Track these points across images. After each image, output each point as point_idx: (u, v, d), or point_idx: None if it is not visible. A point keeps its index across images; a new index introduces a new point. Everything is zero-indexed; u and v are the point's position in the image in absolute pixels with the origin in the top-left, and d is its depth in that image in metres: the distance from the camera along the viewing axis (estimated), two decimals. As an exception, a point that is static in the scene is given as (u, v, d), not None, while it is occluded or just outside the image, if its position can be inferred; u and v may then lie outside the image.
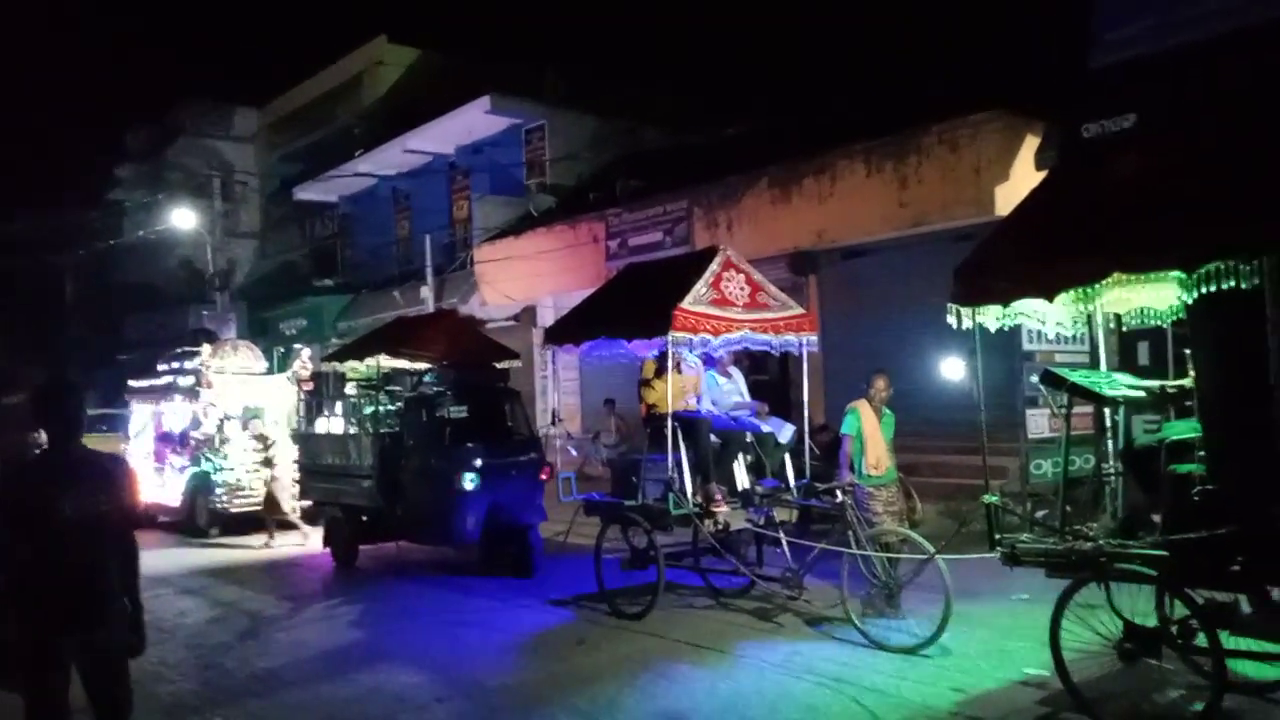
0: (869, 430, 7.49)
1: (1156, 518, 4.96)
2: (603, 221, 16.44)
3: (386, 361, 10.99)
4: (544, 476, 10.26)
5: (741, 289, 7.82)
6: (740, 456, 8.04)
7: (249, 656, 7.29)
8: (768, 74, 19.73)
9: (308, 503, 12.65)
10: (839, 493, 7.07)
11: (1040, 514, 5.86)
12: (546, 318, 17.20)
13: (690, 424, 7.68)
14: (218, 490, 13.67)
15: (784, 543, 7.48)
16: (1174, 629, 4.86)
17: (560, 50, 22.63)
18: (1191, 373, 5.03)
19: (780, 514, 7.79)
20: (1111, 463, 5.60)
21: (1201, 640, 4.66)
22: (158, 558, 11.56)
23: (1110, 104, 9.71)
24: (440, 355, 10.88)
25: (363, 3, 44.33)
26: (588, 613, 7.98)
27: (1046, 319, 5.35)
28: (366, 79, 26.05)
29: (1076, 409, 5.74)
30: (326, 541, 11.40)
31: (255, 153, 30.40)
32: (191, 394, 14.57)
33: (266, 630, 8.19)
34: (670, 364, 7.64)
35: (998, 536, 5.24)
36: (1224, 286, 4.12)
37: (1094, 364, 6.73)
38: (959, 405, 9.29)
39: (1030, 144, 10.95)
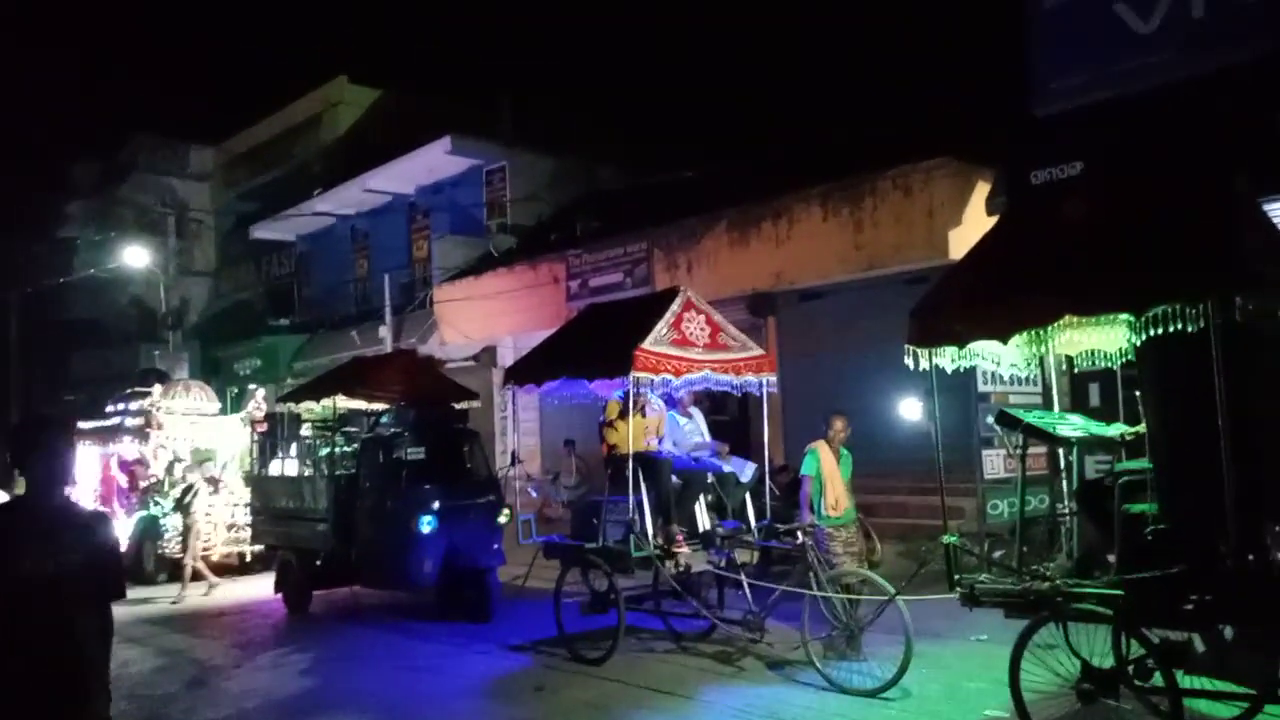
0: (828, 471, 7.52)
1: (1111, 557, 5.02)
2: (563, 262, 16.47)
3: (343, 402, 10.85)
4: (502, 520, 10.13)
5: (702, 329, 7.86)
6: (701, 497, 8.01)
7: (196, 706, 7.05)
8: (725, 118, 20.07)
9: (255, 547, 12.41)
10: (799, 534, 7.06)
11: (997, 554, 5.91)
12: (506, 358, 17.13)
13: (651, 464, 7.65)
14: (166, 535, 13.32)
15: (745, 585, 7.44)
16: (1131, 668, 4.90)
17: (520, 90, 22.75)
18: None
19: (741, 555, 7.76)
20: (1066, 502, 5.68)
21: (1158, 679, 4.70)
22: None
23: (1057, 151, 10.00)
24: (398, 396, 10.77)
25: (323, 43, 44.42)
26: (547, 658, 7.85)
27: (1001, 360, 5.45)
28: (326, 118, 25.99)
29: (1031, 449, 5.82)
30: (279, 586, 11.13)
31: (211, 190, 30.10)
32: (141, 435, 14.23)
33: (214, 679, 7.94)
34: (633, 405, 7.63)
35: (957, 577, 5.27)
36: (1171, 329, 4.22)
37: (1047, 405, 6.85)
38: (916, 445, 9.38)
39: (981, 189, 11.22)
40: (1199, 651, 4.95)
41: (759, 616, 7.20)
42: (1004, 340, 4.96)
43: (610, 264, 15.68)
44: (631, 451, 7.47)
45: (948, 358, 5.26)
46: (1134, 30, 10.04)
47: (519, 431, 16.47)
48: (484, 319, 17.68)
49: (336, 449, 10.87)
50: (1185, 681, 4.76)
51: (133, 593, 12.50)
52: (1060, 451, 5.78)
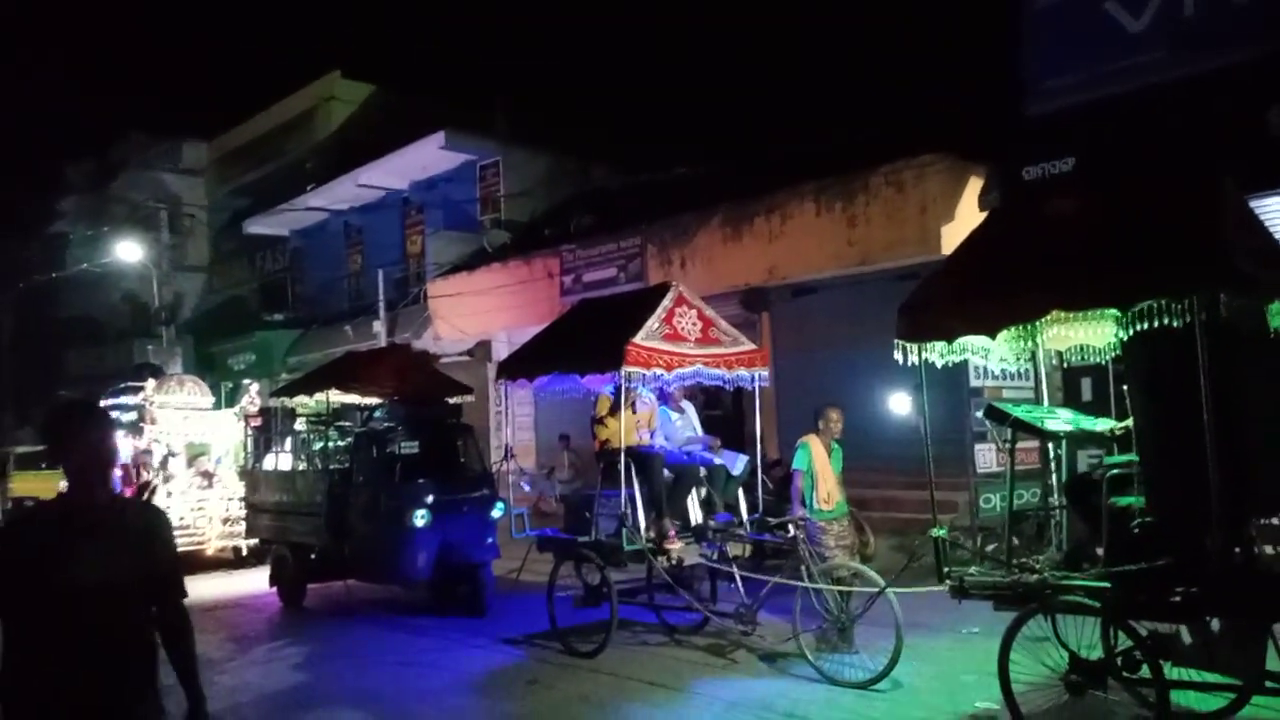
0: (820, 465, 7.55)
1: (1100, 550, 5.06)
2: (557, 257, 16.49)
3: (336, 396, 10.85)
4: (495, 514, 10.14)
5: (694, 324, 7.89)
6: (694, 491, 8.05)
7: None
8: (719, 114, 20.08)
9: (250, 541, 12.40)
10: (791, 527, 7.10)
11: (990, 547, 5.95)
12: (501, 352, 17.12)
13: (643, 459, 7.69)
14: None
15: (737, 578, 7.48)
16: (1119, 660, 4.95)
17: (514, 86, 22.78)
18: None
19: (733, 549, 7.80)
20: (1055, 496, 5.72)
21: (1145, 671, 4.75)
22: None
23: (1050, 148, 10.05)
24: (391, 390, 10.78)
25: (316, 38, 44.29)
26: (540, 651, 7.88)
27: (990, 355, 5.49)
28: (319, 113, 25.95)
29: (1024, 444, 5.85)
30: (273, 581, 11.15)
31: (205, 186, 30.03)
32: (135, 430, 14.22)
33: (207, 673, 7.88)
34: (625, 400, 7.66)
35: (946, 570, 5.31)
36: (1157, 324, 4.27)
37: (1039, 399, 6.89)
38: (909, 440, 9.42)
39: (974, 186, 11.25)
40: (1186, 643, 5.01)
41: (751, 609, 7.24)
42: (992, 335, 5.00)
43: (604, 259, 15.70)
44: (623, 446, 7.50)
45: (937, 353, 5.30)
46: (1125, 29, 10.10)
47: (514, 426, 16.51)
48: (478, 314, 17.69)
49: (330, 443, 10.88)
50: (1173, 673, 4.82)
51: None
52: (1050, 446, 5.82)
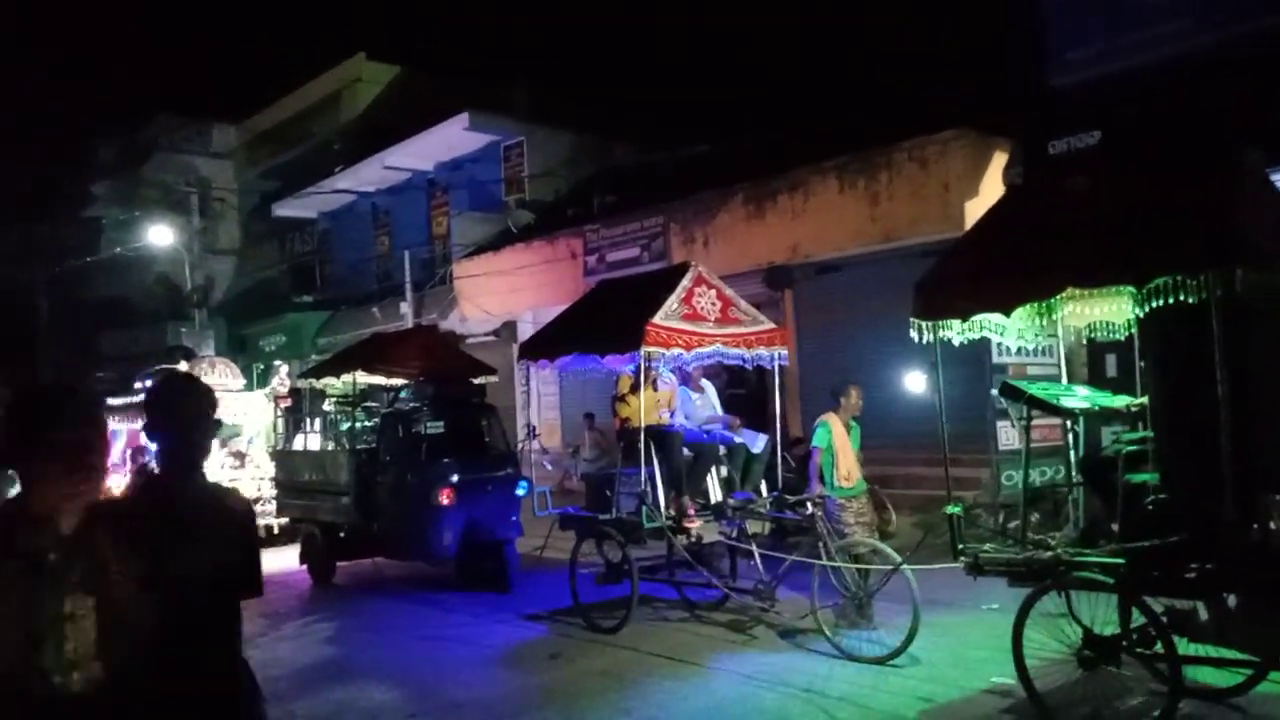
0: (839, 443, 7.57)
1: (1116, 527, 5.07)
2: (581, 237, 16.54)
3: (363, 377, 11.00)
4: (519, 493, 10.26)
5: (713, 304, 7.92)
6: (713, 469, 8.11)
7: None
8: (741, 92, 19.96)
9: (281, 520, 12.62)
10: (809, 505, 7.15)
11: (1012, 524, 5.96)
12: (526, 333, 17.21)
13: (663, 438, 7.76)
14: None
15: (756, 555, 7.55)
16: (1134, 636, 4.96)
17: (538, 67, 22.81)
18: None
19: (752, 526, 7.86)
20: (1071, 473, 5.72)
21: (1160, 647, 4.76)
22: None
23: (1075, 121, 9.92)
24: (417, 371, 10.91)
25: (341, 20, 44.43)
26: (562, 627, 8.01)
27: (1006, 333, 5.47)
28: (345, 96, 26.10)
29: (1049, 421, 5.82)
30: (303, 558, 11.38)
31: (234, 169, 30.37)
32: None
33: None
34: (644, 379, 7.72)
35: (961, 547, 5.34)
36: (1172, 301, 4.25)
37: (1061, 376, 6.86)
38: (931, 418, 9.34)
39: (999, 161, 11.15)
40: (1202, 619, 5.01)
41: (770, 586, 7.31)
42: (1006, 313, 4.99)
43: (627, 239, 15.73)
44: (643, 425, 7.57)
45: (953, 331, 5.31)
46: (1150, -1, 9.92)
47: (540, 406, 16.65)
48: (503, 294, 17.80)
49: (358, 424, 11.05)
50: (1189, 649, 4.83)
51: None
52: (1069, 423, 5.81)
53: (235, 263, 30.63)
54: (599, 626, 7.72)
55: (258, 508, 13.36)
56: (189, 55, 48.94)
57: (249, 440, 14.45)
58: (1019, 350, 10.12)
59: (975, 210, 10.80)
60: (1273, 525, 4.35)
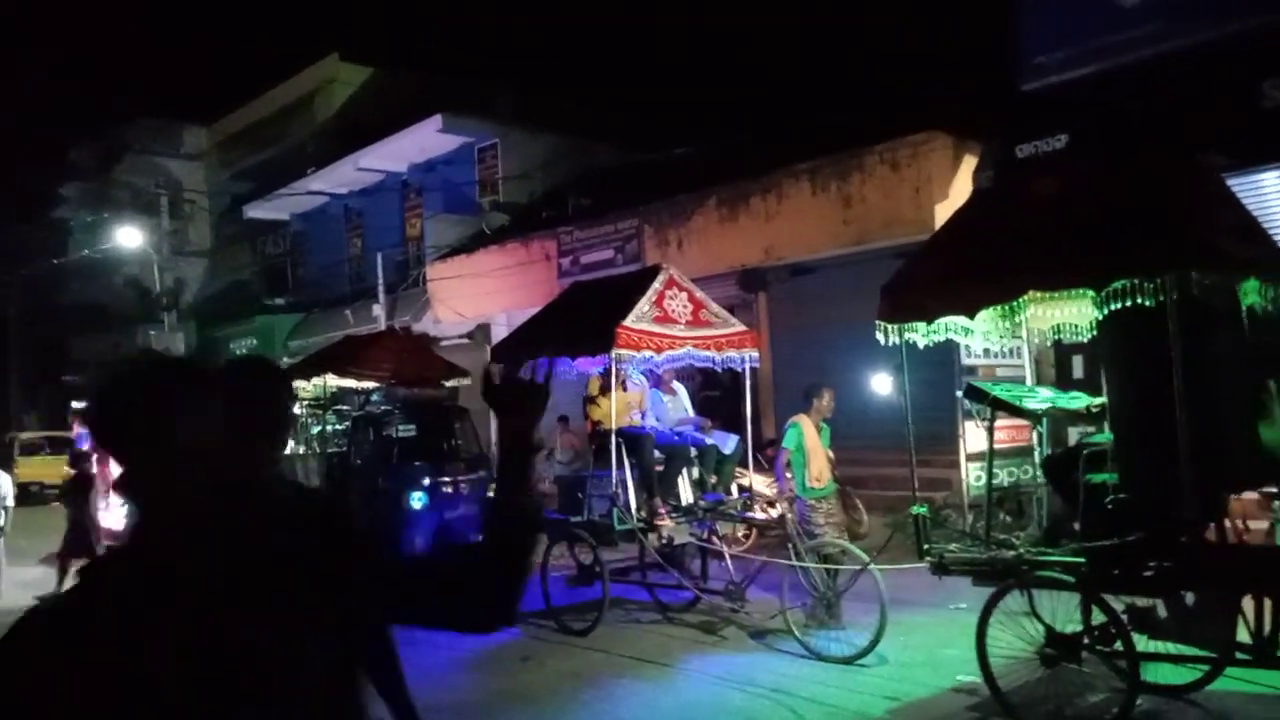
0: (810, 444, 7.61)
1: (1078, 526, 5.14)
2: (555, 239, 16.52)
3: (334, 380, 10.95)
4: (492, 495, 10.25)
5: (684, 307, 7.95)
6: (685, 471, 8.14)
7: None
8: (716, 96, 20.03)
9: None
10: (779, 505, 7.19)
11: (980, 524, 6.03)
12: (500, 335, 17.19)
13: (634, 440, 7.77)
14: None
15: (727, 556, 7.58)
16: (1095, 634, 5.03)
17: (512, 68, 22.81)
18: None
19: (723, 527, 7.90)
20: (1034, 473, 5.80)
21: (1120, 645, 4.83)
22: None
23: (1043, 125, 10.03)
24: (388, 374, 10.88)
25: (315, 21, 44.15)
26: (534, 629, 7.99)
27: (971, 335, 5.54)
28: (318, 97, 25.93)
29: (1018, 422, 5.88)
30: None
31: (205, 170, 30.08)
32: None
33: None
34: (614, 381, 7.73)
35: (926, 546, 5.39)
36: (1129, 304, 4.32)
37: (1027, 377, 6.96)
38: (902, 419, 9.48)
39: (969, 164, 11.24)
40: (1162, 617, 5.09)
41: (740, 587, 7.34)
42: (970, 316, 5.05)
43: (602, 241, 15.73)
44: (614, 427, 7.58)
45: (918, 333, 5.36)
46: (1118, 3, 10.04)
47: (513, 408, 16.59)
48: (477, 297, 17.75)
49: (329, 427, 10.99)
50: (1149, 647, 4.90)
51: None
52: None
53: (206, 265, 30.33)
54: (571, 629, 7.71)
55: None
56: (161, 56, 48.48)
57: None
58: (987, 352, 10.24)
59: (947, 213, 10.87)
60: (1229, 524, 4.43)
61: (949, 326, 5.37)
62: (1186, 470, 4.32)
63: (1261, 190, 8.70)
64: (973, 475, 10.12)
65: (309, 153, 24.68)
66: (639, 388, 8.33)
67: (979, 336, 5.68)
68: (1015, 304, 5.08)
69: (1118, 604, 4.90)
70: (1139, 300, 4.32)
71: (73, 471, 10.74)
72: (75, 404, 16.49)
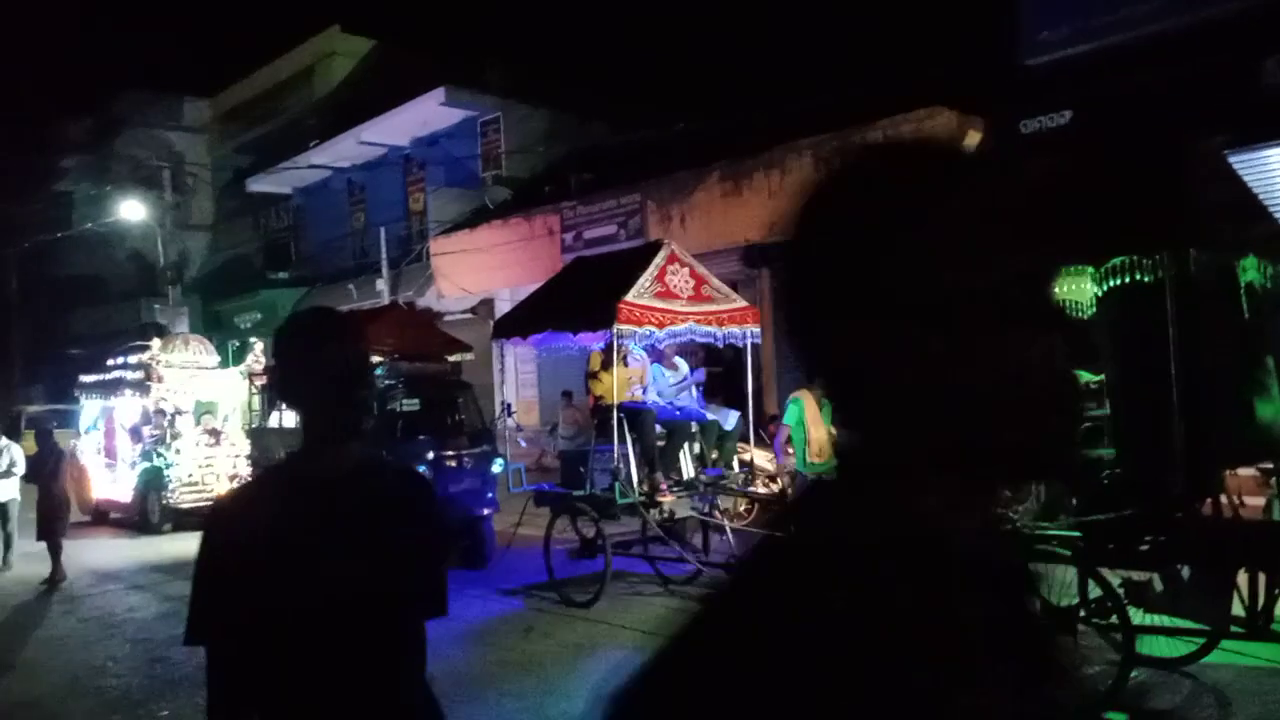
0: (811, 419, 7.68)
1: (1075, 501, 5.20)
2: (558, 214, 16.51)
3: (338, 355, 10.99)
4: (495, 469, 10.31)
5: (686, 282, 7.98)
6: (686, 446, 8.20)
7: (196, 650, 7.29)
8: (718, 70, 19.89)
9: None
10: (779, 479, 7.26)
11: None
12: (503, 310, 17.20)
13: (636, 414, 7.83)
14: (170, 486, 13.58)
15: (728, 530, 7.66)
16: (1090, 607, 5.10)
17: (515, 42, 22.64)
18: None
19: (724, 501, 7.97)
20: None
21: (1115, 618, 4.90)
22: (109, 554, 11.47)
23: (1047, 101, 10.01)
24: (391, 349, 10.91)
25: (317, -9, 43.77)
26: (537, 601, 8.10)
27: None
28: (319, 69, 25.82)
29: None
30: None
31: (207, 143, 29.98)
32: (141, 388, 14.44)
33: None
34: (616, 356, 7.78)
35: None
36: (1128, 280, 4.35)
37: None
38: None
39: (972, 140, 11.21)
40: (1157, 591, 5.15)
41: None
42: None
43: (604, 216, 15.73)
44: (615, 402, 7.63)
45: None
46: (1123, -22, 9.99)
47: (517, 383, 16.69)
48: (480, 271, 17.76)
49: (333, 401, 11.04)
50: (1144, 620, 4.97)
51: (133, 542, 12.84)
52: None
53: (209, 239, 30.31)
54: (573, 601, 7.81)
55: (234, 485, 13.30)
56: (161, 28, 48.16)
57: (224, 418, 14.41)
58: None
59: (948, 189, 10.91)
60: (1224, 499, 4.48)
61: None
62: (1179, 446, 4.37)
63: (1268, 167, 8.69)
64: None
65: (311, 126, 24.61)
66: (640, 363, 8.37)
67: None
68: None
69: (1114, 578, 4.96)
70: (1138, 277, 4.35)
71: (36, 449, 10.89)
72: (81, 377, 16.52)
